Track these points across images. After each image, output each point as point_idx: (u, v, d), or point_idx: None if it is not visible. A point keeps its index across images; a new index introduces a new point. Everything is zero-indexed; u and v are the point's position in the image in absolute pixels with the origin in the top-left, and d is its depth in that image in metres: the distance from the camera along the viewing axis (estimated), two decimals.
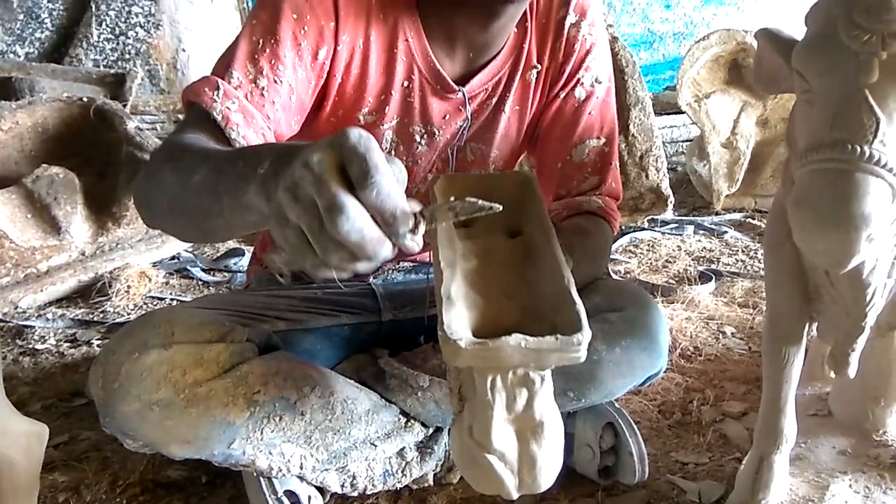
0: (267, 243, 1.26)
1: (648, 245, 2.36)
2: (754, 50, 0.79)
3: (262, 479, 0.96)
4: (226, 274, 2.18)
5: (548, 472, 0.64)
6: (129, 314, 1.88)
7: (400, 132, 1.03)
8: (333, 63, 0.93)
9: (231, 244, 2.36)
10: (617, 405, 1.10)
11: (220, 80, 0.86)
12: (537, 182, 0.82)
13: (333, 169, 0.51)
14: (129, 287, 1.95)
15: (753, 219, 2.61)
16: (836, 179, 0.61)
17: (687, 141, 3.34)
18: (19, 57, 3.20)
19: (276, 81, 0.88)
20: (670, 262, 2.19)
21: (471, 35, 0.98)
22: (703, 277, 1.99)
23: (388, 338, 1.15)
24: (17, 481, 0.78)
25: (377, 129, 1.01)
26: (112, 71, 3.03)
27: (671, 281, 2.02)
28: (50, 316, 1.87)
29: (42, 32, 3.28)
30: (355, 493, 1.02)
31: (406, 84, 0.99)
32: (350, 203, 0.50)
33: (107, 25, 3.35)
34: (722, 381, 1.41)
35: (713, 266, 2.14)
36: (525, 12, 1.01)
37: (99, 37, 3.33)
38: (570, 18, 1.05)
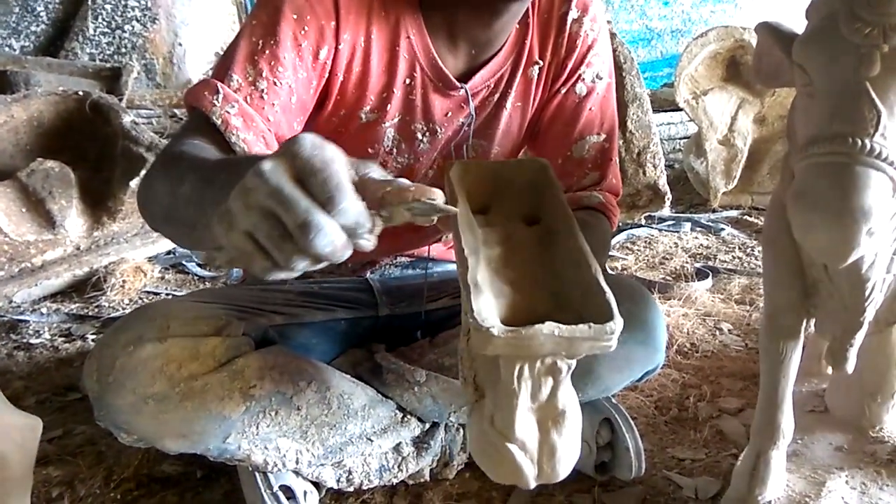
0: None
1: (645, 242, 2.36)
2: (752, 47, 0.78)
3: (257, 473, 0.96)
4: (221, 269, 2.17)
5: (567, 461, 0.64)
6: (124, 309, 1.87)
7: (402, 130, 1.02)
8: (335, 62, 0.92)
9: None
10: (614, 401, 1.10)
11: (219, 84, 0.86)
12: (551, 168, 0.81)
13: (291, 182, 0.50)
14: (124, 282, 1.94)
15: (750, 216, 2.62)
16: (836, 173, 0.60)
17: (684, 138, 3.34)
18: (15, 50, 3.19)
19: (275, 83, 0.87)
20: (667, 258, 2.19)
21: (473, 32, 0.98)
22: (700, 274, 1.99)
23: (384, 333, 1.15)
24: (11, 475, 0.77)
25: (379, 127, 1.00)
26: (108, 65, 3.02)
27: (668, 278, 2.02)
28: (44, 310, 1.86)
29: (38, 26, 3.26)
30: (351, 488, 1.02)
31: (408, 82, 0.98)
32: (325, 221, 0.50)
33: (103, 19, 3.34)
34: (719, 378, 1.41)
35: (710, 263, 2.14)
36: (527, 8, 1.00)
37: (95, 30, 3.32)
38: (572, 14, 1.04)
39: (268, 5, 0.89)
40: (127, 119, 2.18)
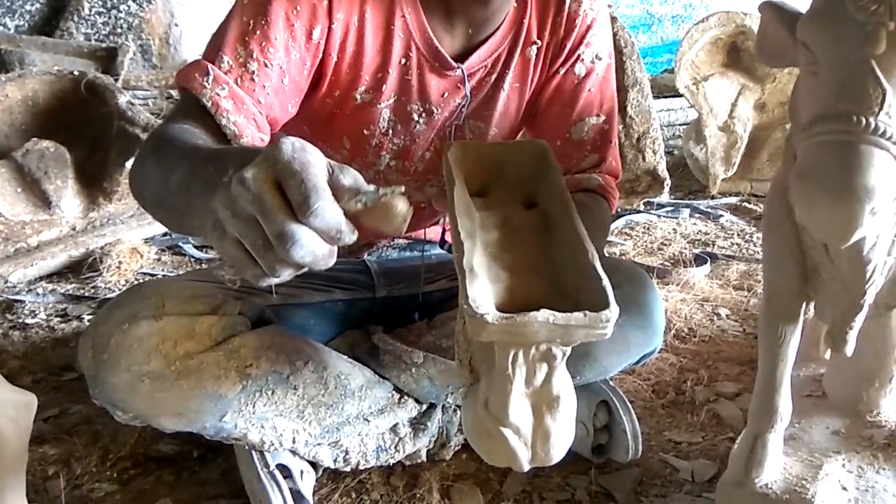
0: None
1: (644, 228, 2.35)
2: (753, 32, 0.77)
3: (254, 452, 0.96)
4: None
5: (560, 446, 0.64)
6: (120, 290, 1.86)
7: (397, 111, 1.01)
8: (328, 42, 0.91)
9: None
10: (611, 383, 1.10)
11: (210, 66, 0.84)
12: (551, 151, 0.80)
13: (272, 188, 0.51)
14: (120, 263, 1.93)
15: (749, 203, 2.61)
16: (840, 151, 0.60)
17: (684, 124, 3.33)
18: (9, 29, 3.16)
19: (266, 65, 0.86)
20: (666, 244, 2.19)
21: (470, 11, 0.96)
22: (699, 260, 1.99)
23: (382, 314, 1.15)
24: (6, 451, 0.76)
25: (374, 108, 0.99)
26: (104, 45, 2.99)
27: (666, 263, 2.01)
28: (40, 291, 1.85)
29: (33, 5, 3.23)
30: (348, 468, 1.02)
31: (403, 61, 0.97)
32: (300, 231, 0.50)
33: None
34: (716, 362, 1.41)
35: (708, 249, 2.14)
36: None
37: (90, 10, 3.28)
38: None
39: None
40: (123, 99, 2.16)
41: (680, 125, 3.40)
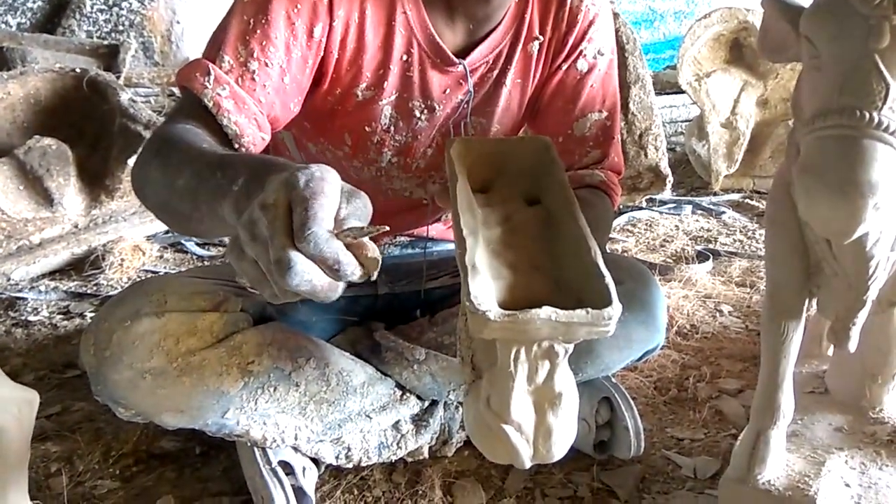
0: None
1: (646, 224, 2.35)
2: (756, 29, 0.77)
3: (256, 449, 0.96)
4: (220, 248, 2.17)
5: (562, 443, 0.64)
6: (122, 287, 1.86)
7: (399, 107, 1.01)
8: (329, 39, 0.91)
9: None
10: (613, 380, 1.10)
11: (211, 65, 0.84)
12: (554, 147, 0.79)
13: (285, 215, 0.53)
14: (122, 260, 1.93)
15: (752, 199, 2.60)
16: (843, 146, 0.59)
17: (686, 121, 3.32)
18: (11, 27, 3.16)
19: (267, 64, 0.86)
20: (668, 241, 2.18)
21: (471, 7, 0.96)
22: (701, 257, 1.99)
23: (384, 311, 1.15)
24: (8, 448, 0.77)
25: (376, 105, 0.99)
26: (105, 42, 3.00)
27: (669, 260, 2.01)
28: (43, 288, 1.85)
29: (34, 2, 3.23)
30: (350, 465, 1.02)
31: (405, 58, 0.96)
32: (296, 258, 0.51)
33: None
34: (718, 359, 1.40)
35: (711, 246, 2.13)
36: None
37: (92, 7, 3.29)
38: None
39: None
40: (124, 97, 2.16)
41: (682, 122, 3.39)
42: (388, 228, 0.57)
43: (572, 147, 1.08)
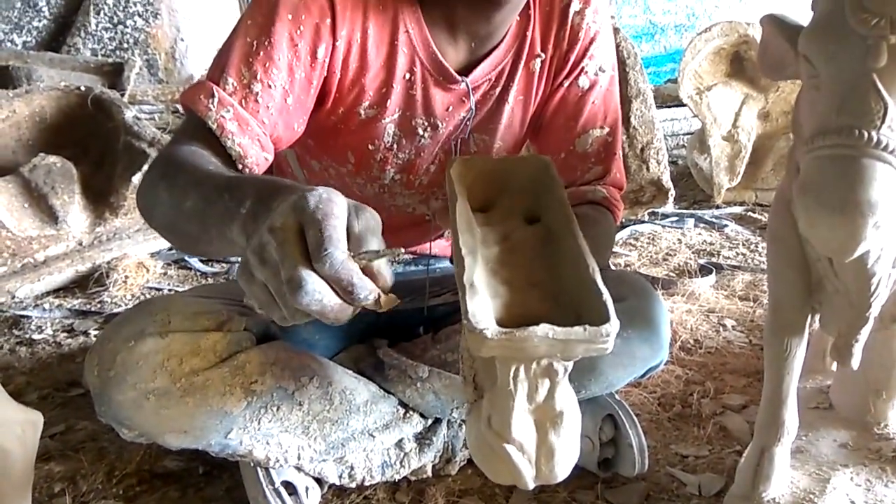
0: None
1: (649, 238, 2.35)
2: (757, 42, 0.77)
3: (259, 469, 0.96)
4: (224, 265, 2.17)
5: (565, 463, 0.64)
6: (126, 304, 1.87)
7: (402, 125, 1.01)
8: (332, 59, 0.92)
9: None
10: (617, 397, 1.10)
11: (214, 87, 0.85)
12: (554, 166, 0.80)
13: (295, 237, 0.54)
14: (126, 277, 1.94)
15: (754, 212, 2.61)
16: (842, 165, 0.60)
17: (688, 134, 3.33)
18: (17, 45, 3.19)
19: (270, 86, 0.87)
20: (671, 255, 2.18)
21: (473, 25, 0.96)
22: (704, 270, 1.98)
23: (386, 328, 1.14)
24: (12, 470, 0.77)
25: (379, 123, 0.99)
26: (110, 60, 3.02)
27: (671, 274, 2.01)
28: (47, 306, 1.86)
29: (40, 21, 3.26)
30: (353, 485, 1.02)
31: (408, 76, 0.97)
32: (309, 278, 0.52)
33: (105, 14, 3.33)
34: (722, 374, 1.40)
35: (714, 259, 2.13)
36: (528, 1, 0.99)
37: (97, 26, 3.32)
38: (574, 6, 1.03)
39: (262, 5, 0.88)
40: (129, 114, 2.18)
41: (684, 135, 3.40)
42: (403, 251, 0.59)
43: (574, 163, 1.09)
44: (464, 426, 1.07)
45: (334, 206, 0.55)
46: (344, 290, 0.53)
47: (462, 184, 0.76)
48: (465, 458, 1.07)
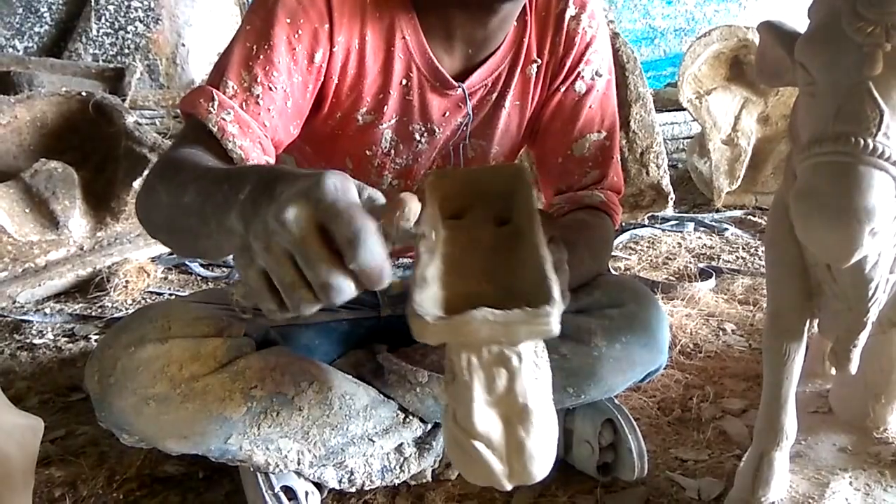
0: None
1: (648, 242, 2.35)
2: (756, 46, 0.78)
3: (259, 474, 0.96)
4: (224, 269, 2.18)
5: (540, 462, 0.63)
6: (127, 309, 1.87)
7: (399, 131, 1.02)
8: (329, 65, 0.92)
9: None
10: (616, 401, 1.10)
11: (214, 91, 0.86)
12: (528, 171, 0.81)
13: (316, 232, 0.52)
14: (127, 282, 1.94)
15: (754, 216, 2.61)
16: (839, 172, 0.60)
17: (688, 138, 3.33)
18: (18, 51, 3.19)
19: (270, 88, 0.87)
20: (670, 259, 2.19)
21: (469, 32, 0.97)
22: (704, 274, 1.99)
23: (386, 333, 1.15)
24: (12, 475, 0.77)
25: (376, 129, 1.00)
26: (111, 65, 3.03)
27: (671, 278, 2.01)
28: (48, 310, 1.86)
29: (41, 27, 3.27)
30: (353, 489, 1.02)
31: (404, 82, 0.98)
32: (346, 283, 0.51)
33: (106, 20, 3.34)
34: (722, 378, 1.40)
35: (713, 263, 2.13)
36: (524, 6, 1.00)
37: (98, 31, 3.32)
38: (570, 11, 1.04)
39: (261, 10, 0.88)
40: (130, 119, 2.18)
41: (684, 138, 3.40)
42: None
43: (571, 167, 1.09)
44: None
45: (352, 193, 0.53)
46: (371, 281, 0.52)
47: (434, 192, 0.77)
48: None
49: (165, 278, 2.10)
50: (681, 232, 2.43)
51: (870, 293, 0.75)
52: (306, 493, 0.98)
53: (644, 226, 2.45)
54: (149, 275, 2.01)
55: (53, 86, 2.61)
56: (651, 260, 2.19)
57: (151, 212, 0.82)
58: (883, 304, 0.79)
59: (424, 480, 1.05)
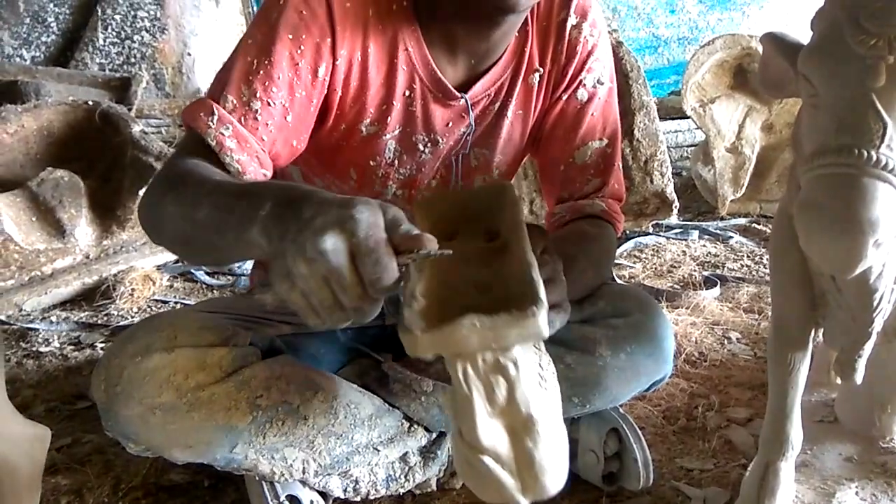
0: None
1: (653, 250, 2.35)
2: (759, 55, 0.78)
3: (264, 483, 0.96)
4: (230, 277, 2.18)
5: (552, 473, 0.62)
6: (133, 317, 1.88)
7: (403, 141, 1.02)
8: (333, 78, 0.93)
9: None
10: (621, 411, 1.10)
11: (215, 105, 0.87)
12: (513, 188, 0.84)
13: (349, 263, 0.58)
14: (133, 290, 1.95)
15: (759, 224, 2.61)
16: (843, 184, 0.60)
17: (692, 146, 3.33)
18: (25, 60, 3.21)
19: (269, 104, 0.88)
20: (675, 267, 2.18)
21: (472, 44, 0.98)
22: (709, 283, 1.98)
23: (391, 342, 1.15)
24: (19, 484, 0.77)
25: (380, 140, 1.00)
26: (117, 75, 3.04)
27: (676, 286, 2.01)
28: (54, 319, 1.87)
29: (48, 36, 3.29)
30: (358, 498, 1.02)
31: (407, 93, 0.98)
32: (374, 308, 0.62)
33: (112, 29, 3.36)
34: (727, 387, 1.40)
35: (718, 271, 2.13)
36: (526, 16, 1.00)
37: (104, 41, 3.34)
38: (571, 20, 1.04)
39: (263, 24, 0.89)
40: (136, 129, 2.20)
41: (688, 146, 3.40)
42: (451, 252, 0.63)
43: (573, 175, 1.10)
44: None
45: (381, 227, 0.60)
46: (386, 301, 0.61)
47: (423, 214, 0.80)
48: None
49: (171, 286, 2.10)
50: (685, 240, 2.43)
51: (874, 303, 0.75)
52: (311, 502, 0.99)
53: (648, 234, 2.45)
54: (154, 283, 2.02)
55: (60, 95, 2.62)
56: (655, 268, 2.18)
57: (161, 223, 0.83)
58: (888, 314, 0.79)
59: (429, 490, 1.06)
